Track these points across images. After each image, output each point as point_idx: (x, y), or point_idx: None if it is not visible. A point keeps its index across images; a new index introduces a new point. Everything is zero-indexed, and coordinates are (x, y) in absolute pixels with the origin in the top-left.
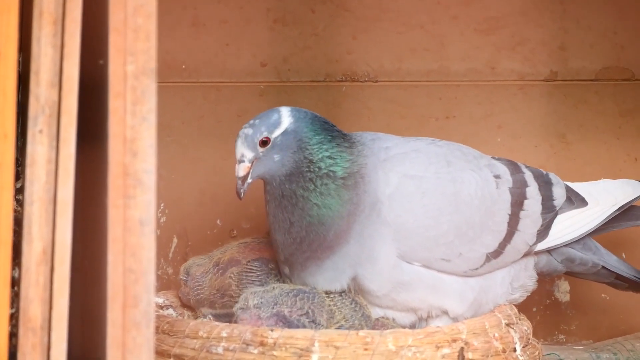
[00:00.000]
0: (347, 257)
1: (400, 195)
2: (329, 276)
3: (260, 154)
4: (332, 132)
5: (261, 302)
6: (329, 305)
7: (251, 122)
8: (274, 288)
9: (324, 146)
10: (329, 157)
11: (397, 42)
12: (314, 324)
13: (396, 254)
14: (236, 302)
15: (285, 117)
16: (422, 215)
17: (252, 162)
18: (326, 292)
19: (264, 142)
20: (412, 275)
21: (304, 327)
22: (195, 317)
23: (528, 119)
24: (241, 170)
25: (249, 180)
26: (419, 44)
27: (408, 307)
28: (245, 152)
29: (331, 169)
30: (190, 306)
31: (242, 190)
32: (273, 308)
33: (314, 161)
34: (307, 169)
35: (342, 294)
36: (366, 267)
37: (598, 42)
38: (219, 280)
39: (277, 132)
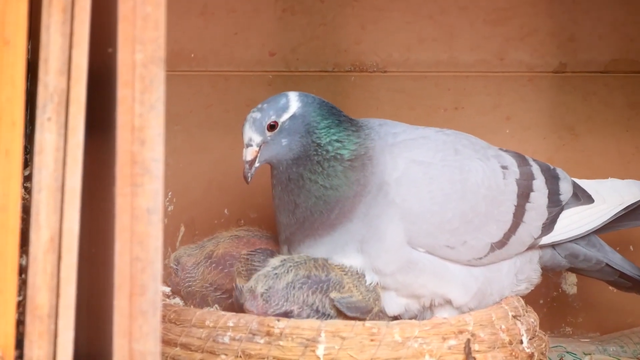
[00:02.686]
0: (348, 234)
1: (407, 180)
2: (326, 249)
3: (268, 138)
4: (339, 116)
5: (269, 295)
6: (347, 283)
7: (259, 106)
8: (288, 270)
9: (332, 130)
10: (337, 141)
11: (406, 33)
12: (324, 316)
13: (404, 235)
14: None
15: (293, 101)
16: (428, 201)
17: (260, 147)
18: (342, 269)
19: (272, 127)
20: (417, 260)
21: None
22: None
23: (537, 111)
24: (249, 154)
25: (257, 164)
26: (428, 34)
27: (412, 293)
28: (253, 136)
29: (338, 152)
30: (181, 294)
31: (249, 175)
32: (282, 306)
33: (322, 145)
34: (315, 153)
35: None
36: (372, 245)
37: (607, 34)
38: (212, 274)
39: (285, 117)
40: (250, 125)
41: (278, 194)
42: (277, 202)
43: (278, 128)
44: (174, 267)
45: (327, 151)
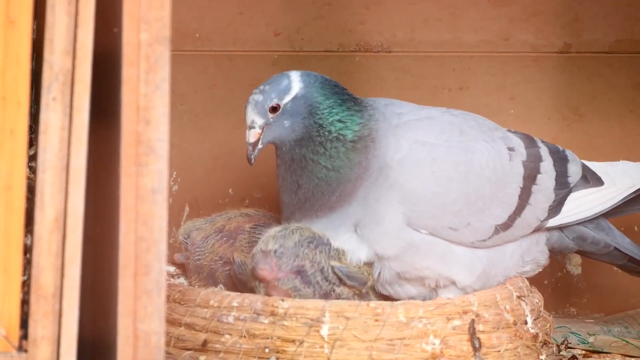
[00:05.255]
0: (346, 216)
1: (410, 161)
2: (320, 229)
3: (271, 119)
4: (342, 95)
5: (282, 251)
6: (343, 256)
7: (261, 87)
8: (293, 232)
9: (335, 110)
10: (339, 121)
11: (410, 13)
12: (327, 281)
13: (402, 218)
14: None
15: (295, 82)
16: (431, 182)
17: (263, 128)
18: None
19: (274, 109)
20: (419, 243)
21: (318, 284)
22: (205, 286)
23: (541, 91)
24: (252, 136)
25: (260, 146)
26: (432, 14)
27: (418, 275)
28: (255, 118)
29: (341, 132)
30: (186, 269)
31: (252, 156)
32: (294, 261)
33: (324, 125)
34: (317, 134)
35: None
36: (370, 229)
37: (612, 14)
38: (222, 247)
39: (287, 98)
40: (253, 107)
41: (282, 174)
42: (281, 182)
43: (280, 110)
44: (184, 240)
45: (330, 132)
